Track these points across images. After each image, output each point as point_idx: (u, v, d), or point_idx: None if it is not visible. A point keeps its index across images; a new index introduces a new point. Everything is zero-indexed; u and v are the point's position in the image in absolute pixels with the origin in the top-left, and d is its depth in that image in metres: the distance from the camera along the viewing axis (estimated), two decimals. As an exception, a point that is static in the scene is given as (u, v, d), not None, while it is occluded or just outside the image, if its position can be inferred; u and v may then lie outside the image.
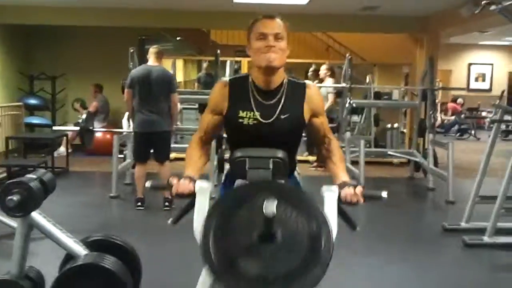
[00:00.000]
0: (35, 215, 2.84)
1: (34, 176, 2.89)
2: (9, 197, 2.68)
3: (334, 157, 2.16)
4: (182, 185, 1.93)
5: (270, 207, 1.53)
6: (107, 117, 9.34)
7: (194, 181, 1.95)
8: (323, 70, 8.40)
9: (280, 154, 2.04)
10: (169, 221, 2.01)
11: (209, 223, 1.65)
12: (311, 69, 9.82)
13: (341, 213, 1.98)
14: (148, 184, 2.02)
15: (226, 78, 2.27)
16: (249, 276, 1.56)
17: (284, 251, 1.59)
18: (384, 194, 1.94)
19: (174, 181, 1.94)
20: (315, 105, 2.18)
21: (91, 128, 5.86)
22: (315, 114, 2.19)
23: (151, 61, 5.57)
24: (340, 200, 1.94)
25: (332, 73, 8.46)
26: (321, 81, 8.44)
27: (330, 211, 1.87)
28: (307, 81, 2.26)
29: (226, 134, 2.30)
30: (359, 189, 1.92)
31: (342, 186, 1.97)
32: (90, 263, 2.72)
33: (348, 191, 1.93)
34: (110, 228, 4.95)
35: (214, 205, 1.71)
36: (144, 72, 5.48)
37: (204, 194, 1.93)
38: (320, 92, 2.27)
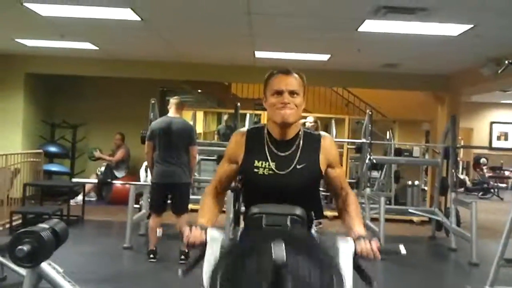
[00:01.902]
0: (45, 266, 2.77)
1: (46, 226, 2.83)
2: (19, 247, 2.61)
3: (349, 209, 2.12)
4: (194, 235, 1.91)
5: (279, 251, 1.46)
6: (128, 167, 9.36)
7: (206, 231, 1.94)
8: (310, 123, 7.76)
9: (297, 211, 1.98)
10: (180, 272, 1.97)
11: (217, 271, 1.63)
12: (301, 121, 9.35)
13: (357, 267, 1.91)
14: (159, 233, 2.03)
15: (245, 128, 2.28)
16: None
17: None
18: (402, 249, 1.89)
19: (186, 230, 1.92)
20: (330, 155, 2.17)
21: (109, 180, 5.82)
22: (331, 164, 2.18)
23: (172, 112, 5.59)
24: (355, 254, 1.88)
25: (317, 127, 8.06)
26: None
27: (345, 263, 1.81)
28: (322, 132, 2.26)
29: (241, 185, 2.28)
30: (375, 244, 1.88)
31: (358, 239, 1.92)
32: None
33: (364, 246, 1.88)
34: (121, 280, 4.86)
35: (223, 254, 1.72)
36: (164, 123, 5.49)
37: (215, 243, 1.89)
38: (335, 144, 2.26)
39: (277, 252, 1.47)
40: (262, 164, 2.10)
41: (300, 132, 2.16)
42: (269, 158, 2.11)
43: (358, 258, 1.88)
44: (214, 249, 1.87)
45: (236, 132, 2.27)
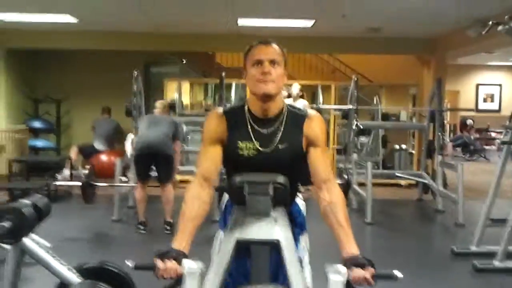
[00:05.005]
0: (27, 241, 2.75)
1: (28, 202, 2.80)
2: (0, 224, 2.58)
3: (338, 213, 1.90)
4: (168, 270, 1.74)
5: None
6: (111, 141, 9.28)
7: (182, 262, 1.76)
8: (296, 90, 7.79)
9: (280, 179, 1.94)
10: None
11: None
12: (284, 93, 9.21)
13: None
14: (131, 264, 1.83)
15: (220, 108, 2.13)
16: None
17: None
18: (398, 273, 1.76)
19: (159, 263, 1.75)
20: (313, 134, 2.03)
21: (92, 183, 5.77)
22: (312, 143, 2.03)
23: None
24: (348, 282, 1.75)
25: (303, 96, 8.08)
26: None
27: None
28: (310, 110, 2.11)
29: (224, 165, 2.14)
30: (370, 271, 1.74)
31: (350, 263, 1.76)
32: (82, 292, 2.61)
33: (358, 275, 1.73)
34: (111, 252, 4.86)
35: None
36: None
37: (193, 277, 1.75)
38: (322, 123, 2.10)
39: None
40: (246, 145, 2.01)
41: (284, 109, 2.06)
42: (252, 137, 2.01)
43: (350, 285, 1.76)
44: (192, 285, 1.75)
45: (211, 113, 2.11)
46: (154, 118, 5.67)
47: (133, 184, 5.89)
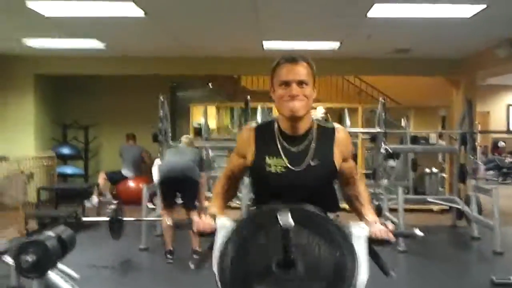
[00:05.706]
0: (52, 275, 2.68)
1: (52, 234, 2.73)
2: (24, 257, 2.52)
3: (360, 197, 2.08)
4: (204, 223, 1.89)
5: (285, 218, 1.49)
6: (140, 167, 9.29)
7: (216, 218, 1.91)
8: (320, 113, 7.74)
9: (310, 210, 1.84)
10: (191, 266, 1.99)
11: (227, 247, 1.68)
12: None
13: (374, 255, 1.84)
14: (169, 221, 2.08)
15: (253, 123, 2.17)
16: None
17: (305, 279, 1.55)
18: (418, 232, 1.81)
19: (195, 218, 1.91)
20: (345, 148, 2.05)
21: (120, 218, 5.73)
22: (345, 158, 2.06)
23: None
24: (369, 238, 1.80)
25: (327, 119, 7.98)
26: None
27: (359, 248, 1.72)
28: (335, 124, 2.12)
29: (251, 182, 2.15)
30: (389, 226, 1.84)
31: (371, 224, 1.88)
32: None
33: (377, 228, 1.83)
34: (139, 282, 4.78)
35: (233, 231, 1.73)
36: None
37: (225, 230, 1.82)
38: (349, 135, 2.13)
39: (283, 219, 1.49)
40: (274, 161, 1.97)
41: (313, 126, 2.03)
42: (281, 154, 1.97)
43: (372, 243, 1.81)
44: (224, 236, 1.80)
45: (245, 127, 2.17)
46: (179, 149, 5.76)
47: (160, 219, 5.88)
